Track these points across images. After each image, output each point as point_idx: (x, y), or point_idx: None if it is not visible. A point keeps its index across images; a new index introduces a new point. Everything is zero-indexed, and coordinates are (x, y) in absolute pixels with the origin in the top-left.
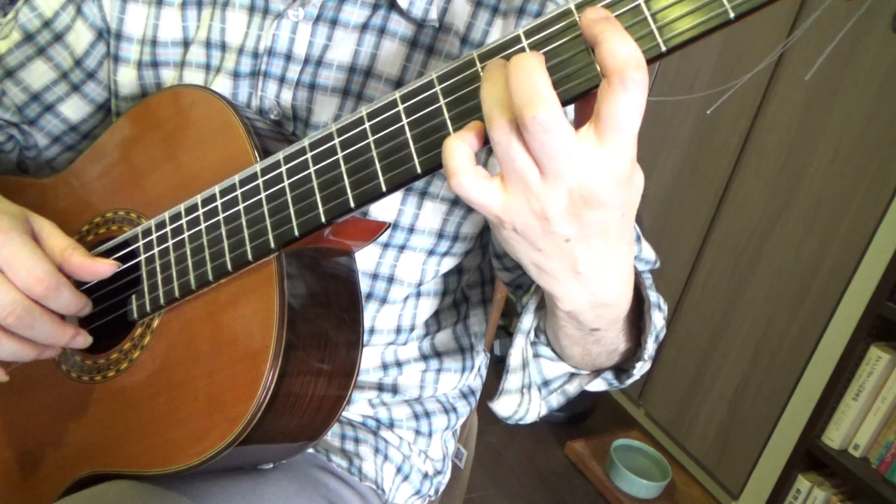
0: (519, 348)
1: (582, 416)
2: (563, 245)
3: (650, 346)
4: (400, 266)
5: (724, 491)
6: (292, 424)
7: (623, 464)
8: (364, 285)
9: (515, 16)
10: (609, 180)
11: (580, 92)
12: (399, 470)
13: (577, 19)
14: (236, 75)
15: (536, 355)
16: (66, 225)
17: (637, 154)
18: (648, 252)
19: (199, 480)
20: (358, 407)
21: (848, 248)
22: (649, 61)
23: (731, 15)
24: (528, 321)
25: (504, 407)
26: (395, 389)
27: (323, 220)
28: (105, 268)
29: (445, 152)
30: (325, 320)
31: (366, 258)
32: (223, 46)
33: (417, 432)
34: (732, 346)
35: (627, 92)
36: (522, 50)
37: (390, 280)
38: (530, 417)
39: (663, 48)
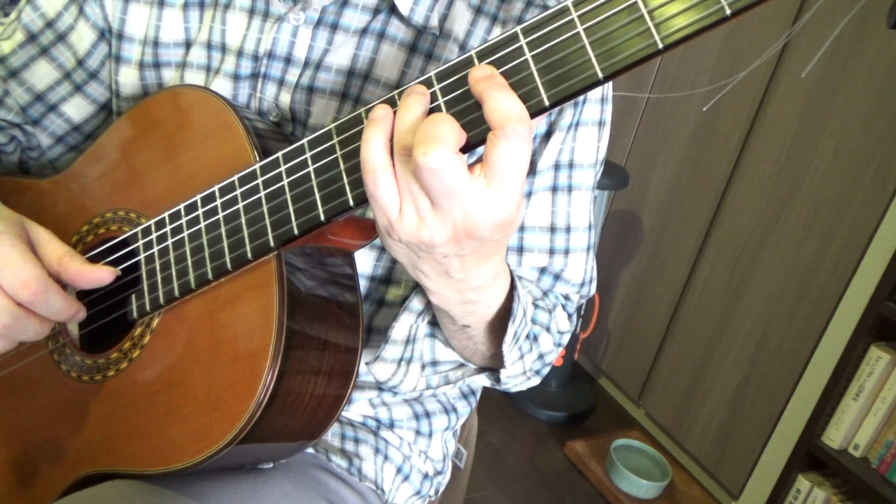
0: (406, 324)
1: (582, 416)
2: (440, 258)
3: (512, 356)
4: (397, 268)
5: (724, 491)
6: (292, 423)
7: (623, 464)
8: (362, 287)
9: (514, 25)
10: (492, 221)
11: (576, 90)
12: (399, 470)
13: (575, 18)
14: (236, 77)
15: (433, 335)
16: (65, 225)
17: (637, 153)
18: (574, 274)
19: (198, 480)
20: (358, 407)
21: (848, 248)
22: (647, 59)
23: (728, 12)
24: (418, 302)
25: (380, 372)
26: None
27: (322, 218)
28: (104, 275)
29: (368, 147)
30: (325, 319)
31: (363, 261)
32: (223, 48)
33: (418, 432)
34: (732, 346)
35: (509, 143)
36: (520, 48)
37: (388, 282)
38: (405, 388)
39: (660, 45)
